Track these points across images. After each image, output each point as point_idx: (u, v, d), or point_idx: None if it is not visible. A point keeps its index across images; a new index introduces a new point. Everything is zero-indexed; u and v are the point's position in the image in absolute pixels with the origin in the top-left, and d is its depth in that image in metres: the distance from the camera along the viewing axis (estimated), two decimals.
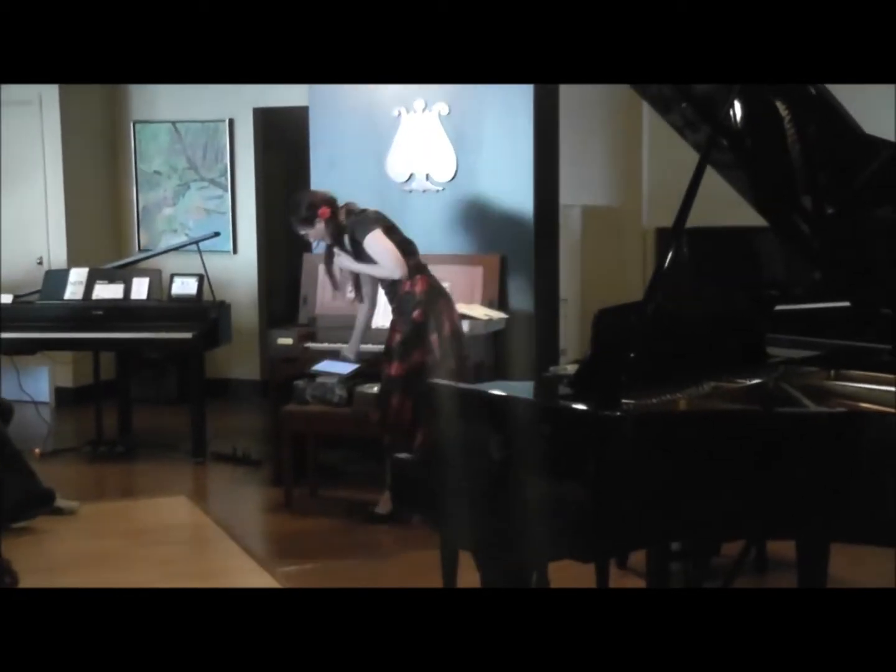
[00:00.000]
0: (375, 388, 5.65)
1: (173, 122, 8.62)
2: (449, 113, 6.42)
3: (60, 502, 5.50)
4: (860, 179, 3.40)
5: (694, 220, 3.48)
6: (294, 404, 5.86)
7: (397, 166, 6.56)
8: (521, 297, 6.37)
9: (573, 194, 7.48)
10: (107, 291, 6.88)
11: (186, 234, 8.45)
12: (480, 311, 5.92)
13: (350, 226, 5.38)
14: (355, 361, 5.61)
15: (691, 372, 3.37)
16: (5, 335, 6.63)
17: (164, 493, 6.10)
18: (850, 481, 2.93)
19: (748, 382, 3.41)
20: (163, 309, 6.85)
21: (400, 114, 6.51)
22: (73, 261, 8.04)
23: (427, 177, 6.51)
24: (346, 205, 5.46)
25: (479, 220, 6.42)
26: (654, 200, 7.78)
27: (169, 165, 8.68)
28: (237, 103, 8.43)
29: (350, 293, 5.57)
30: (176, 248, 7.51)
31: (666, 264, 3.27)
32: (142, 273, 7.05)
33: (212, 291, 6.96)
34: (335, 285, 5.58)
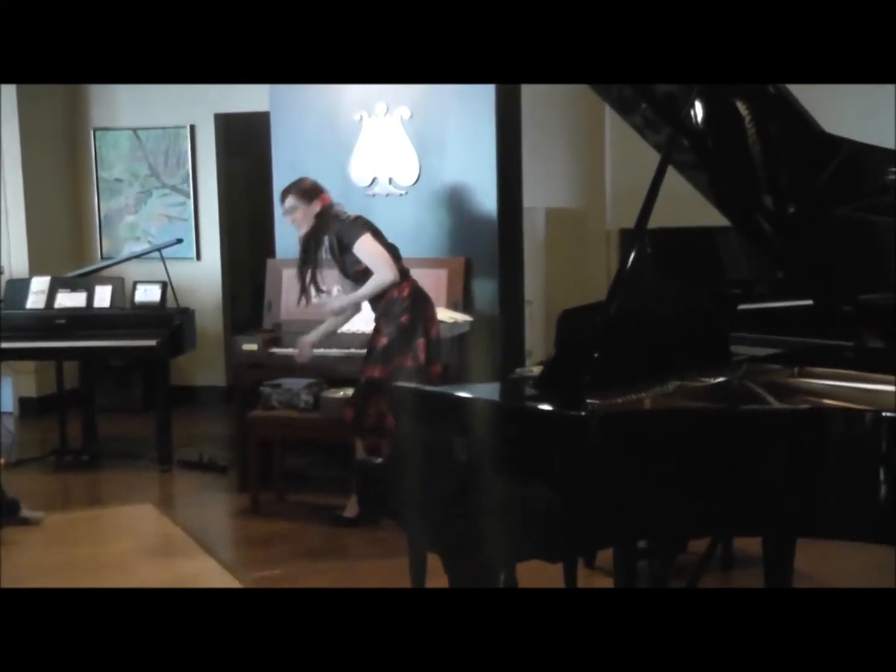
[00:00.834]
0: (342, 393, 5.65)
1: (134, 129, 8.58)
2: (411, 116, 6.42)
3: (25, 513, 5.46)
4: (821, 178, 3.42)
5: (656, 221, 3.50)
6: (260, 410, 5.85)
7: (360, 170, 6.56)
8: (486, 300, 6.38)
9: (536, 196, 7.50)
10: (69, 300, 6.83)
11: (149, 242, 8.42)
12: (445, 314, 5.92)
13: (339, 229, 5.30)
14: (306, 357, 5.54)
15: (655, 371, 3.38)
16: None
17: (131, 502, 6.07)
18: (815, 477, 2.94)
19: (712, 381, 3.43)
20: (126, 317, 6.81)
21: (362, 118, 6.50)
22: (35, 269, 7.98)
23: (390, 181, 6.51)
24: (336, 205, 5.40)
25: (443, 223, 6.43)
26: (618, 202, 7.80)
27: (130, 172, 8.64)
28: (198, 109, 8.41)
29: (316, 298, 5.50)
30: (138, 256, 7.47)
31: (629, 264, 3.28)
32: (104, 281, 7.01)
33: (175, 298, 6.93)
34: (307, 297, 5.43)
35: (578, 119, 7.97)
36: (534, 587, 4.56)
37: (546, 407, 3.02)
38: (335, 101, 6.53)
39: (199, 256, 8.59)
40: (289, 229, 6.60)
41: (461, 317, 6.03)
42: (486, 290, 6.38)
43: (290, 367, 5.99)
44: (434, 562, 3.61)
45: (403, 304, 5.25)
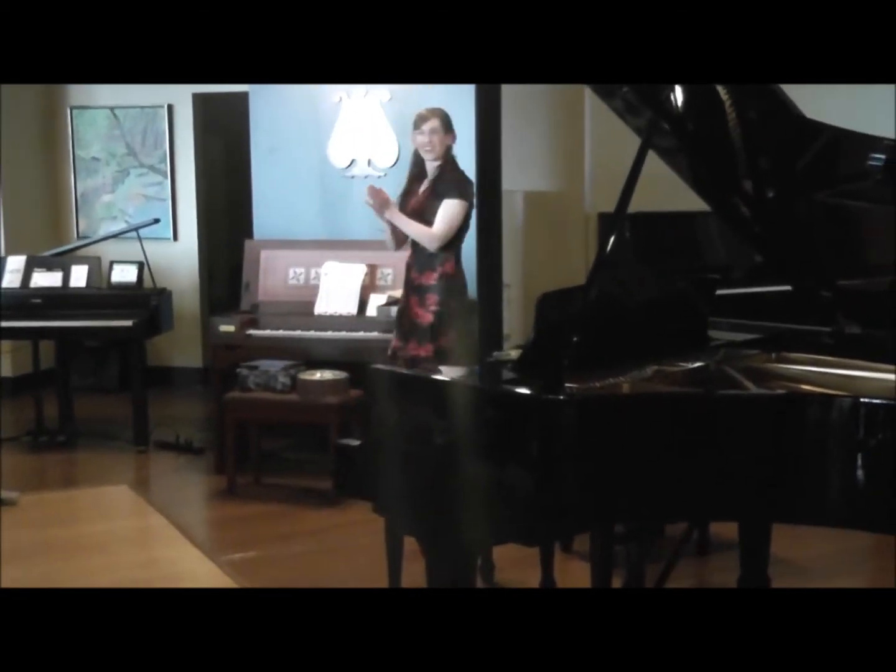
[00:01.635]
0: (318, 375, 5.63)
1: (111, 108, 8.52)
2: (390, 98, 6.40)
3: (0, 493, 5.43)
4: (801, 163, 3.42)
5: (636, 205, 3.49)
6: (237, 391, 5.83)
7: (339, 152, 6.53)
8: None
9: (515, 179, 7.49)
10: (45, 279, 6.79)
11: (126, 221, 8.37)
12: None
13: (451, 177, 5.11)
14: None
15: (634, 355, 3.38)
16: None
17: (106, 483, 6.03)
18: (792, 462, 2.95)
19: (690, 365, 3.43)
20: (102, 297, 6.77)
21: (341, 99, 6.48)
22: (11, 249, 7.93)
23: (369, 162, 6.49)
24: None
25: None
26: (597, 185, 7.80)
27: (107, 151, 8.59)
28: (176, 88, 8.35)
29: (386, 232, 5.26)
30: (115, 235, 7.42)
31: (608, 248, 3.27)
32: (81, 260, 6.97)
33: (152, 279, 6.90)
34: (378, 210, 5.13)
35: (558, 102, 7.95)
36: (513, 577, 4.58)
37: (524, 390, 3.02)
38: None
39: (176, 237, 8.55)
40: (267, 209, 6.60)
41: None
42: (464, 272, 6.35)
43: (267, 349, 5.97)
44: (411, 544, 3.61)
45: (458, 284, 5.15)
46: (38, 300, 6.68)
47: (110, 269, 6.88)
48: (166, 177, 8.51)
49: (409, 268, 5.16)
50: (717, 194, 3.88)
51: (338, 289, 6.08)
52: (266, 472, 6.09)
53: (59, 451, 6.75)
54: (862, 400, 2.91)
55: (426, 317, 5.00)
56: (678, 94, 3.50)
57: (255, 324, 6.11)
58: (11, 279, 6.79)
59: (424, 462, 3.17)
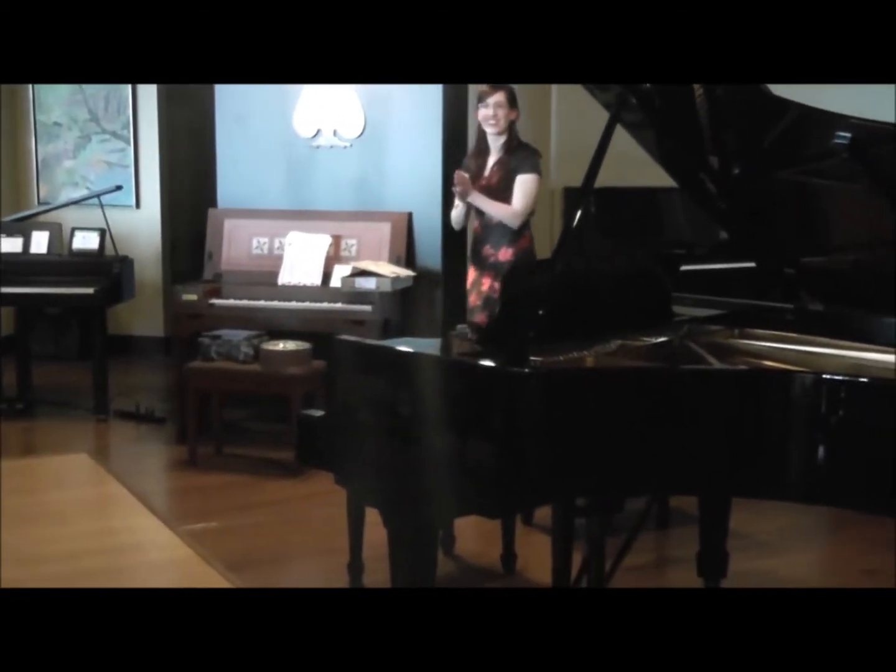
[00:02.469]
0: (281, 346, 5.61)
1: None
2: None
3: None
4: (767, 140, 3.43)
5: (601, 180, 3.49)
6: (199, 361, 5.80)
7: (304, 122, 6.49)
8: (429, 255, 6.36)
9: None
10: (5, 245, 6.72)
11: (88, 188, 8.28)
12: (388, 269, 5.90)
13: (519, 151, 5.11)
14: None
15: (598, 330, 3.39)
16: None
17: (66, 451, 5.98)
18: (753, 437, 2.97)
19: (654, 340, 3.44)
20: (63, 263, 6.71)
21: None
22: None
23: (335, 133, 6.45)
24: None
25: (387, 177, 6.40)
26: (562, 159, 7.77)
27: (69, 117, 8.49)
28: None
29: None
30: (77, 202, 7.35)
31: (574, 223, 3.28)
32: (42, 226, 6.90)
33: (114, 246, 6.84)
34: (462, 194, 5.03)
35: None
36: (474, 549, 4.60)
37: (489, 363, 3.02)
38: None
39: (138, 204, 8.48)
40: (231, 178, 6.56)
41: (404, 272, 6.01)
42: (429, 245, 6.36)
43: (230, 319, 5.94)
44: (373, 515, 3.61)
45: (534, 257, 5.11)
46: None
47: (72, 235, 6.81)
48: (129, 143, 8.43)
49: (478, 245, 5.16)
50: (683, 170, 3.89)
51: (302, 259, 6.06)
52: (228, 442, 6.07)
53: (18, 418, 6.69)
54: (824, 376, 2.93)
55: None
56: None
57: (217, 293, 6.08)
58: None
59: (387, 434, 3.17)
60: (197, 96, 8.09)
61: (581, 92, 3.85)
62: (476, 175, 5.11)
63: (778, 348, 3.47)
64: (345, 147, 6.43)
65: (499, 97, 5.02)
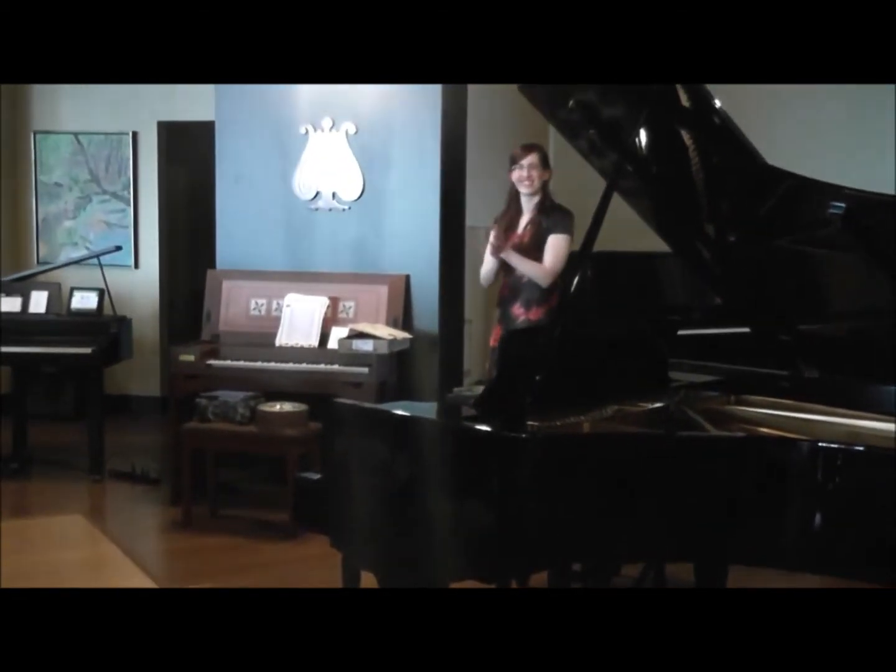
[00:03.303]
0: (278, 407, 5.61)
1: (75, 134, 8.49)
2: (357, 132, 6.41)
3: None
4: (762, 209, 3.46)
5: (600, 245, 3.52)
6: (195, 422, 5.80)
7: (304, 184, 6.54)
8: (426, 318, 6.38)
9: (479, 216, 7.49)
10: (4, 304, 6.73)
11: (87, 248, 8.32)
12: (385, 331, 5.92)
13: (549, 209, 5.17)
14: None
15: (595, 395, 3.40)
16: None
17: (60, 512, 5.98)
18: (750, 505, 2.97)
19: (650, 406, 3.45)
20: (62, 323, 6.72)
21: (307, 131, 6.49)
22: None
23: (333, 195, 6.49)
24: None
25: (385, 239, 6.43)
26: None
27: (70, 177, 8.55)
28: (141, 116, 8.34)
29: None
30: (76, 262, 7.38)
31: (572, 288, 3.30)
32: (41, 286, 6.92)
33: (112, 306, 6.86)
34: (496, 251, 5.12)
35: (523, 139, 7.99)
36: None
37: (486, 428, 3.03)
38: (281, 114, 6.51)
39: (137, 264, 8.52)
40: (230, 240, 6.59)
41: (401, 334, 6.02)
42: (426, 307, 6.38)
43: (227, 380, 5.94)
44: (368, 579, 3.59)
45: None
46: None
47: (70, 295, 6.84)
48: (129, 204, 8.49)
49: (506, 304, 5.21)
50: (679, 237, 3.92)
51: (299, 321, 6.08)
52: (223, 503, 6.04)
53: (13, 478, 6.67)
54: (820, 444, 2.94)
55: None
56: (643, 138, 3.54)
57: (215, 354, 6.08)
58: None
59: (383, 497, 3.16)
60: (197, 157, 8.16)
61: (578, 157, 3.90)
62: (507, 234, 5.19)
63: (774, 415, 3.48)
64: (343, 210, 6.47)
65: (532, 158, 5.12)
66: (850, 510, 2.88)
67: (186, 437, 5.78)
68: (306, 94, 6.41)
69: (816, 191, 3.21)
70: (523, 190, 5.16)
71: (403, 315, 6.24)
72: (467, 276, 7.07)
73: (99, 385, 6.77)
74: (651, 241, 4.22)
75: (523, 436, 2.94)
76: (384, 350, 5.77)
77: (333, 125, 6.44)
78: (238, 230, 6.62)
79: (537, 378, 3.07)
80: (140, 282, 8.46)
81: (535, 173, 5.11)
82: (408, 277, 6.32)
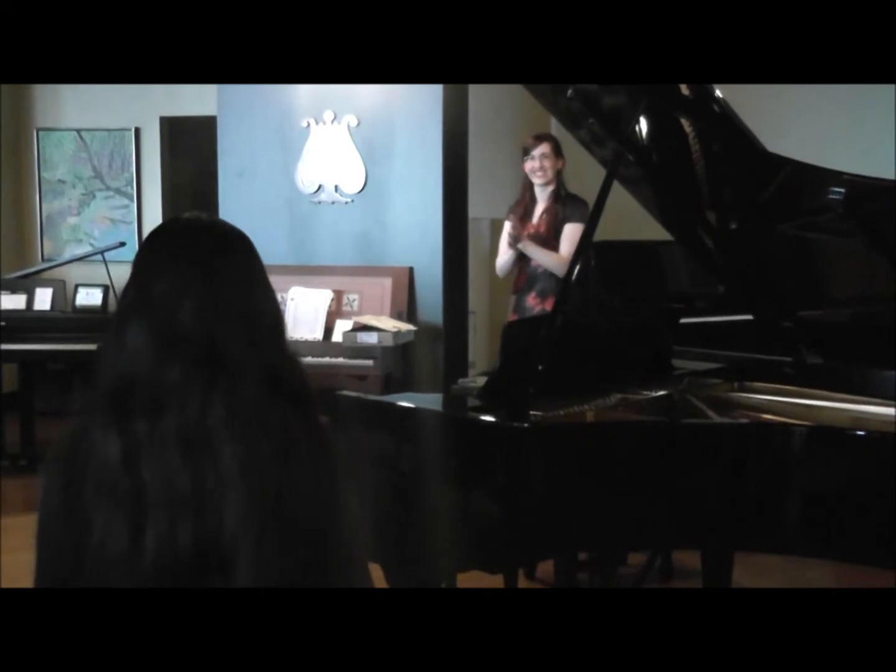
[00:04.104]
0: None
1: (78, 130, 8.50)
2: (358, 124, 6.42)
3: None
4: (763, 195, 3.46)
5: (601, 234, 3.52)
6: None
7: (306, 177, 6.54)
8: (430, 310, 6.39)
9: (482, 207, 7.52)
10: (9, 302, 6.75)
11: (91, 244, 8.34)
12: (389, 324, 5.93)
13: (567, 200, 5.18)
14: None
15: (598, 384, 3.41)
16: None
17: None
18: (754, 491, 2.98)
19: (654, 394, 3.46)
20: (67, 320, 6.74)
21: (309, 125, 6.49)
22: None
23: (336, 188, 6.50)
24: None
25: (388, 231, 6.44)
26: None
27: (74, 174, 8.56)
28: (144, 111, 8.35)
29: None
30: (81, 258, 7.39)
31: (574, 277, 3.30)
32: (45, 283, 6.94)
33: (118, 302, 6.86)
34: (514, 241, 5.12)
35: (525, 129, 8.00)
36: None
37: (490, 418, 3.04)
38: (283, 107, 6.51)
39: None
40: None
41: (405, 326, 6.03)
42: (430, 299, 6.39)
43: None
44: (374, 570, 3.60)
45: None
46: (2, 323, 6.62)
47: (75, 292, 6.86)
48: (133, 200, 8.50)
49: (520, 294, 5.23)
50: (680, 225, 3.92)
51: (304, 314, 6.09)
52: None
53: (21, 475, 6.69)
54: (823, 429, 2.95)
55: None
56: (643, 126, 3.55)
57: None
58: None
59: (389, 489, 3.17)
60: (199, 152, 8.17)
61: (580, 145, 3.90)
62: (521, 224, 5.20)
63: (777, 401, 3.48)
64: (346, 203, 6.48)
65: (544, 148, 5.13)
66: (854, 495, 2.88)
67: None
68: (308, 88, 6.42)
69: (816, 176, 3.21)
70: (536, 180, 5.16)
71: (408, 307, 6.26)
72: (471, 267, 7.08)
73: None
74: (653, 230, 4.23)
75: (526, 425, 2.95)
76: (389, 342, 5.78)
77: (335, 118, 6.44)
78: (241, 224, 6.47)
79: (540, 367, 3.08)
80: None
81: (547, 163, 5.12)
82: (411, 270, 6.33)
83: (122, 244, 7.40)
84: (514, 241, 5.09)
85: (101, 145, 8.49)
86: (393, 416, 3.29)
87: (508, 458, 2.94)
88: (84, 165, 8.54)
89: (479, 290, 7.73)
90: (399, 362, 5.99)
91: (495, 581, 4.29)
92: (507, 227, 5.17)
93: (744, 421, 3.27)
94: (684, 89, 3.30)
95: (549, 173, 5.13)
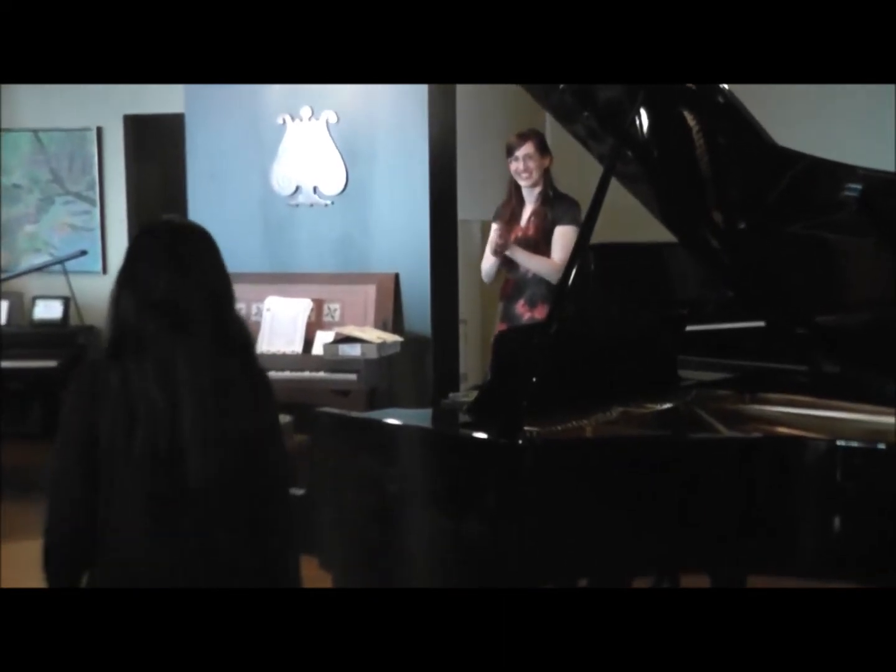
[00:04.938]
0: None
1: (35, 131, 8.49)
2: (338, 121, 6.43)
3: None
4: (773, 192, 3.47)
5: (600, 235, 3.53)
6: None
7: (282, 178, 6.55)
8: (417, 319, 6.39)
9: (472, 209, 7.52)
10: None
11: (51, 254, 8.32)
12: (373, 334, 5.93)
13: (553, 199, 5.17)
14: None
15: (598, 396, 3.42)
16: None
17: (30, 537, 5.96)
18: (767, 511, 2.99)
19: (658, 407, 3.47)
20: (25, 335, 6.75)
21: (285, 122, 6.50)
22: None
23: (314, 189, 6.51)
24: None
25: (372, 235, 6.44)
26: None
27: (30, 178, 8.55)
28: (106, 110, 8.34)
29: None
30: (39, 269, 7.38)
31: (570, 282, 3.31)
32: (1, 296, 6.93)
33: (79, 315, 6.87)
34: (501, 249, 5.10)
35: (518, 123, 8.01)
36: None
37: (481, 435, 3.04)
38: (256, 104, 6.52)
39: (105, 270, 8.50)
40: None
41: (390, 337, 6.04)
42: (417, 308, 6.39)
43: None
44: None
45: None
46: None
47: (33, 304, 6.86)
48: (95, 205, 8.48)
49: (509, 302, 5.22)
50: (684, 225, 3.93)
51: (281, 325, 6.09)
52: None
53: None
54: (839, 443, 2.96)
55: None
56: (643, 119, 3.56)
57: None
58: None
59: (374, 513, 3.18)
60: (167, 153, 8.17)
61: (576, 143, 3.92)
62: (508, 227, 5.19)
63: (791, 413, 3.49)
64: (326, 205, 6.49)
65: (527, 148, 5.12)
66: (872, 514, 2.89)
67: None
68: None
69: (829, 172, 3.22)
70: (522, 182, 5.16)
71: (393, 316, 6.26)
72: (461, 272, 7.09)
73: None
74: (655, 231, 4.24)
75: (520, 442, 2.96)
76: (373, 355, 5.79)
77: (313, 114, 6.45)
78: (213, 229, 6.48)
79: (534, 380, 3.09)
80: (108, 288, 8.42)
81: (532, 164, 5.11)
82: (397, 276, 6.33)
83: (84, 253, 7.41)
84: (501, 248, 5.07)
85: (60, 146, 8.47)
86: (378, 435, 3.29)
87: (501, 477, 2.95)
88: (41, 169, 8.53)
89: (470, 297, 7.73)
90: (384, 376, 5.99)
91: None
92: (494, 232, 5.16)
93: (756, 435, 3.28)
94: None
95: (535, 174, 5.13)
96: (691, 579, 4.79)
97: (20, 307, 6.90)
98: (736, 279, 4.05)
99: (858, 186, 3.14)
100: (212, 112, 6.60)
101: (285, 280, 6.33)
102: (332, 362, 5.80)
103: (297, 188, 6.54)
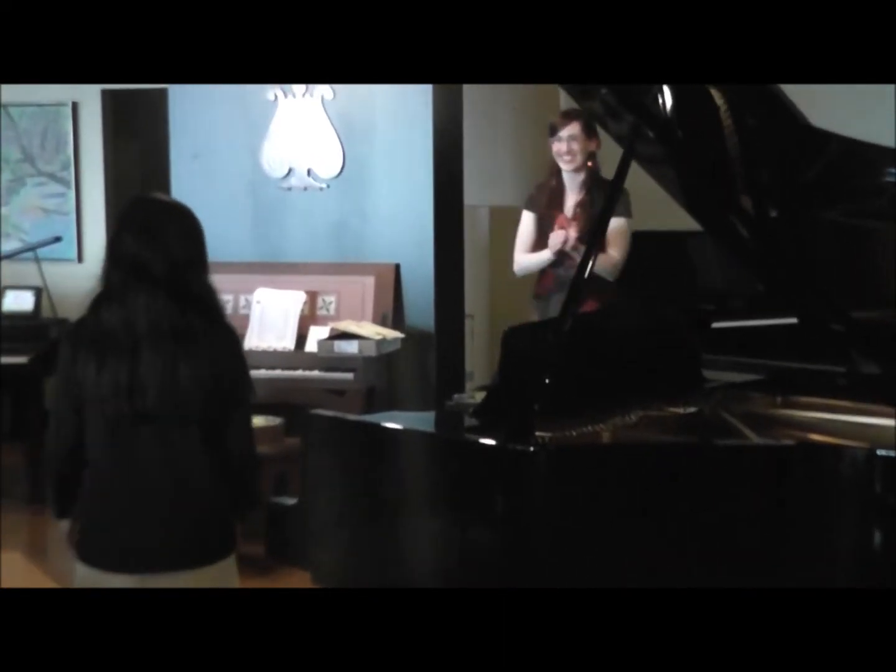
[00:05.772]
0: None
1: (4, 106, 8.50)
2: (334, 97, 6.42)
3: None
4: (807, 177, 3.47)
5: None
6: None
7: (274, 159, 6.55)
8: (420, 313, 6.39)
9: (479, 193, 7.53)
10: None
11: (21, 240, 8.32)
12: (372, 330, 5.93)
13: (606, 189, 5.11)
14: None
15: (616, 398, 3.41)
16: None
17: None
18: (799, 522, 2.98)
19: (681, 410, 3.47)
20: None
21: (276, 98, 6.50)
22: None
23: (308, 172, 6.51)
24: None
25: (370, 222, 6.43)
26: None
27: None
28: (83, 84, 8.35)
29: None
30: (9, 256, 7.38)
31: (585, 275, 3.31)
32: None
33: (52, 307, 6.87)
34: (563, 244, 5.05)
35: (530, 102, 8.02)
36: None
37: (488, 440, 3.04)
38: None
39: (80, 258, 8.51)
40: None
41: (390, 332, 6.04)
42: (419, 301, 6.39)
43: None
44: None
45: None
46: None
47: (2, 295, 6.86)
48: (70, 187, 8.49)
49: (548, 300, 5.19)
50: (709, 211, 3.93)
51: (272, 319, 6.09)
52: None
53: None
54: (878, 452, 2.95)
55: None
56: (665, 97, 3.55)
57: None
58: None
59: (372, 523, 3.18)
60: (148, 131, 8.16)
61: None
62: (548, 216, 5.19)
63: (826, 419, 3.49)
64: (320, 188, 6.49)
65: (573, 128, 5.06)
66: None
67: None
68: None
69: (868, 155, 3.23)
70: (565, 166, 5.12)
71: (393, 310, 6.25)
72: (467, 263, 7.08)
73: (38, 399, 6.78)
74: (679, 219, 4.24)
75: (531, 448, 2.96)
76: (371, 352, 5.79)
77: (307, 90, 6.45)
78: (198, 213, 6.57)
79: (546, 380, 3.09)
80: (84, 277, 8.29)
81: (576, 146, 5.07)
82: (398, 267, 6.33)
83: (58, 239, 7.40)
84: (562, 244, 5.02)
85: (32, 123, 8.48)
86: (376, 439, 3.30)
87: (510, 486, 2.95)
88: (11, 146, 8.52)
89: (477, 289, 7.73)
90: (383, 375, 5.99)
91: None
92: (557, 235, 5.06)
93: (788, 442, 3.28)
94: None
95: (579, 157, 5.09)
96: None
97: None
98: (766, 271, 4.05)
99: None
100: (197, 87, 6.59)
101: (276, 270, 6.33)
102: (326, 360, 5.80)
103: (290, 170, 6.53)
